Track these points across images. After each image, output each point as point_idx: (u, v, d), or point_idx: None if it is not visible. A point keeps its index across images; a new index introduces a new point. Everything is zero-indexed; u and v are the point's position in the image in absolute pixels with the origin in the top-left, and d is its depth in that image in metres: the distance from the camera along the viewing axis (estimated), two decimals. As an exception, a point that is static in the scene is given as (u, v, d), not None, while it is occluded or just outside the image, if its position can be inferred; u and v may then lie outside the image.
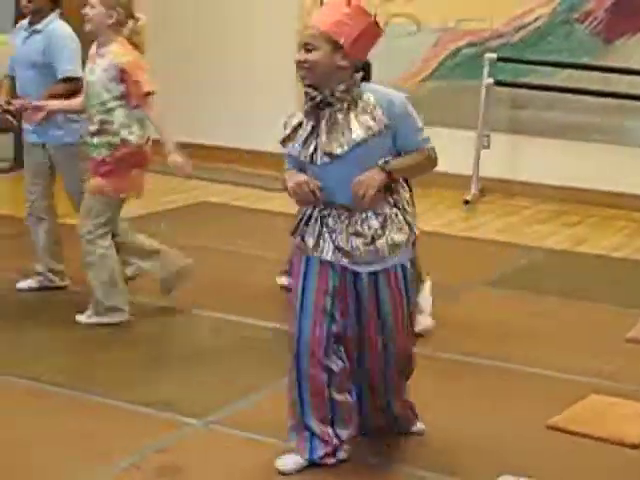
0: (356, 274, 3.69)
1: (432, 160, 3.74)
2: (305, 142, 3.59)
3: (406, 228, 3.67)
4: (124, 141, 5.07)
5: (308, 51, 3.53)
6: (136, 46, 5.33)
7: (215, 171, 9.07)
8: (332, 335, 3.73)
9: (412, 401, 4.14)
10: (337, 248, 3.68)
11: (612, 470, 3.86)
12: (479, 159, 8.71)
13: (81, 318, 5.18)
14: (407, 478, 4.06)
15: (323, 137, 3.57)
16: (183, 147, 5.25)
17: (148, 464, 3.78)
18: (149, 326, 5.30)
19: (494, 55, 8.69)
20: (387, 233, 3.67)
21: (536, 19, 8.89)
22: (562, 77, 8.67)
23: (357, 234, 3.67)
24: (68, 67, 5.20)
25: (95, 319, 5.24)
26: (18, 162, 8.11)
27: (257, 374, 4.63)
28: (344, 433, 3.76)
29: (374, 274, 3.71)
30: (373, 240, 3.65)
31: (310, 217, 3.75)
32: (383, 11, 9.74)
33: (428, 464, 4.07)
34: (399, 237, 3.66)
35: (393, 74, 9.10)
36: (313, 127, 3.59)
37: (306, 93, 3.58)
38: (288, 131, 3.68)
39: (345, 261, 3.63)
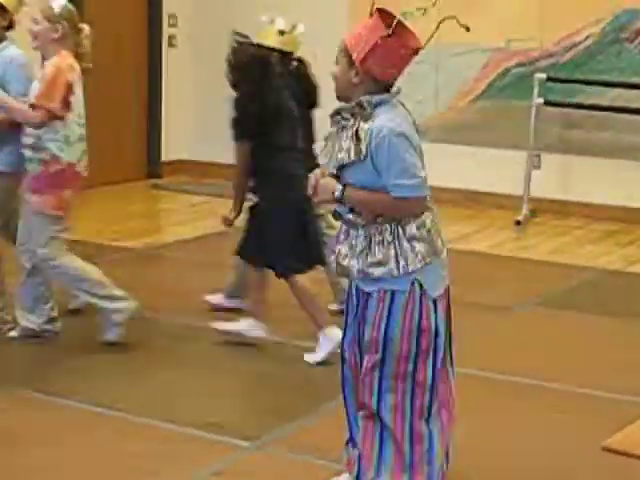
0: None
1: (399, 209, 3.55)
2: (325, 155, 3.64)
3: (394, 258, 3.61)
4: (54, 157, 5.06)
5: (337, 64, 3.49)
6: (80, 58, 5.34)
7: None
8: None
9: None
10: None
11: None
12: (530, 179, 8.64)
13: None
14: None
15: (333, 153, 3.58)
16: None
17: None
18: (196, 349, 5.32)
19: (544, 75, 8.65)
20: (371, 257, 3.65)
21: (586, 38, 8.82)
22: (612, 96, 8.59)
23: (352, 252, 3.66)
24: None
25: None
26: None
27: (304, 398, 4.68)
28: None
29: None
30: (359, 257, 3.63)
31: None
32: (438, 32, 9.24)
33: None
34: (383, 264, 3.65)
35: (447, 95, 9.60)
36: (333, 142, 3.58)
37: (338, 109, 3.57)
38: (323, 143, 3.70)
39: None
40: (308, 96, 6.17)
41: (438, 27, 3.32)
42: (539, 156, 8.71)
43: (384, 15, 3.31)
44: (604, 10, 8.71)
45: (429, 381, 3.60)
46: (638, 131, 8.67)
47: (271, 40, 6.00)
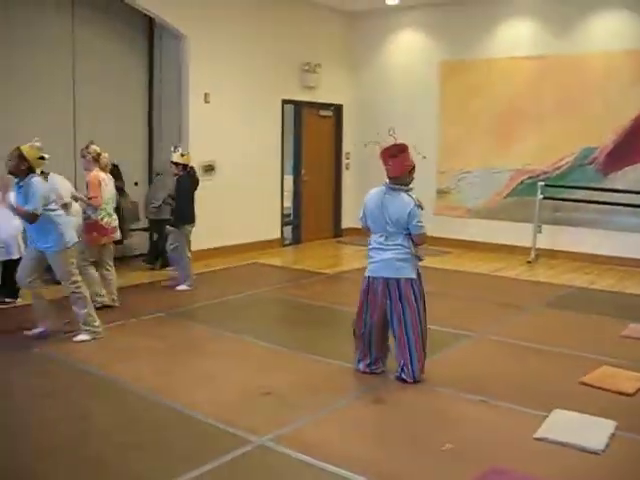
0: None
1: (419, 238, 4.97)
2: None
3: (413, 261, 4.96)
4: (89, 218, 6.80)
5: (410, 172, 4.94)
6: (103, 170, 6.90)
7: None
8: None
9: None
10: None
11: (616, 407, 4.49)
12: (536, 238, 10.07)
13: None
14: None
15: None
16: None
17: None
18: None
19: (543, 183, 10.09)
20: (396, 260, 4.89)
21: (565, 163, 10.13)
22: (580, 194, 9.89)
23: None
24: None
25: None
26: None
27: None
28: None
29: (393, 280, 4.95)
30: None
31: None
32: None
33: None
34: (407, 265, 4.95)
35: (489, 193, 10.79)
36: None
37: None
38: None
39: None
40: (196, 186, 7.98)
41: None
42: (540, 226, 10.03)
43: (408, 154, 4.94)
44: (574, 148, 9.94)
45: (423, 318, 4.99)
46: (593, 213, 9.82)
47: (177, 159, 7.74)
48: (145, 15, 9.29)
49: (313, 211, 11.51)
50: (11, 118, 8.11)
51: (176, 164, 7.61)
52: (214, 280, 8.46)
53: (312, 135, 11.49)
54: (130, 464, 3.66)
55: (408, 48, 11.42)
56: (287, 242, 11.25)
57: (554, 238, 10.12)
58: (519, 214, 10.35)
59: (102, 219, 6.66)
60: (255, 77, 10.24)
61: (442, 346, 5.74)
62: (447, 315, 6.71)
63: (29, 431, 4.05)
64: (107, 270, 6.93)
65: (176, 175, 7.75)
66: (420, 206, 4.89)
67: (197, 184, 7.95)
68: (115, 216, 6.89)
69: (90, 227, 6.67)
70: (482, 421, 4.29)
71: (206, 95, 9.46)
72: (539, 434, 4.02)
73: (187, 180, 7.75)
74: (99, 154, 6.70)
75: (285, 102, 10.90)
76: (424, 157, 5.17)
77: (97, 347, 5.65)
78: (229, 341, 5.90)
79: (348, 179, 12.02)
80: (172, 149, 7.74)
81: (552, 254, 10.10)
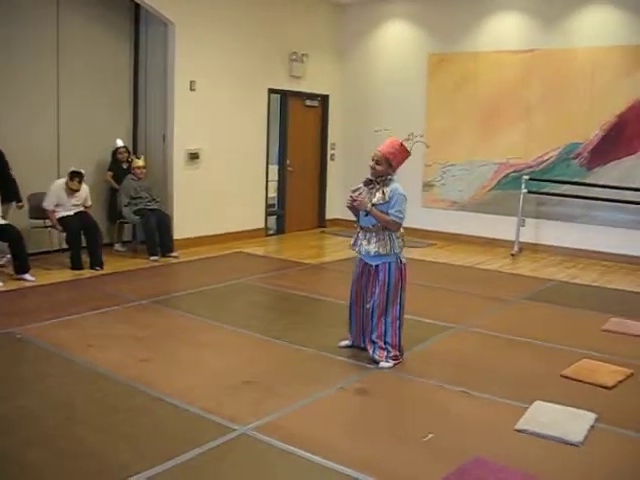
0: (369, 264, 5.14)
1: (391, 224, 4.91)
2: (360, 193, 4.99)
3: (389, 246, 4.96)
4: None
5: (378, 164, 4.95)
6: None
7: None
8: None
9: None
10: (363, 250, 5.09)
11: (596, 400, 4.54)
12: (519, 232, 10.17)
13: None
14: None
15: (370, 196, 4.95)
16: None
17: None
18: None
19: (527, 177, 10.15)
20: (378, 246, 4.99)
21: (549, 157, 10.20)
22: (563, 189, 9.99)
23: (369, 243, 5.00)
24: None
25: None
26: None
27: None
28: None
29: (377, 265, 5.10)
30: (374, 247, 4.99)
31: (357, 233, 5.14)
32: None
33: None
34: (383, 250, 4.99)
35: (474, 187, 10.86)
36: (368, 189, 5.01)
37: (371, 179, 4.99)
38: (356, 187, 5.06)
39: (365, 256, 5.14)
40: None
41: (412, 146, 5.00)
42: (524, 219, 10.16)
43: (405, 146, 4.98)
44: (559, 142, 10.01)
45: (403, 302, 5.13)
46: (576, 207, 9.91)
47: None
48: (131, 0, 9.21)
49: (298, 201, 11.48)
50: (-7, 102, 8.22)
51: None
52: (197, 269, 8.45)
53: (298, 125, 11.47)
54: (113, 452, 3.65)
55: (396, 40, 11.40)
56: (271, 232, 11.26)
57: (538, 232, 10.20)
58: (503, 207, 10.43)
59: None
60: (242, 66, 10.21)
61: (425, 338, 5.77)
62: (430, 307, 6.73)
63: (10, 420, 4.01)
64: None
65: None
66: None
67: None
68: None
69: None
70: (464, 412, 4.31)
71: (192, 83, 9.45)
72: (520, 425, 4.05)
73: None
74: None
75: (271, 91, 10.87)
76: (428, 147, 5.17)
77: (79, 334, 5.62)
78: (211, 329, 5.90)
79: (333, 170, 12.00)
80: None
81: (535, 248, 10.20)
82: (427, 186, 11.14)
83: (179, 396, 4.37)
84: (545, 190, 10.01)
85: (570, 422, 4.11)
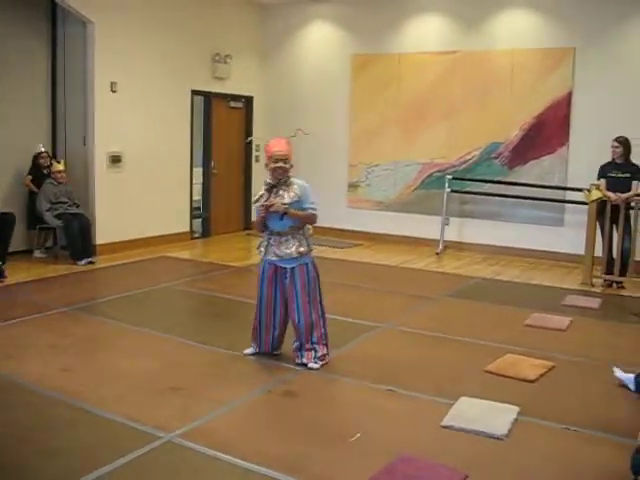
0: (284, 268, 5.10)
1: (311, 218, 4.98)
2: (267, 200, 4.95)
3: (307, 245, 5.02)
4: None
5: (285, 162, 4.94)
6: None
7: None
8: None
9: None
10: (275, 254, 5.04)
11: (519, 393, 4.66)
12: (443, 230, 10.37)
13: None
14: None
15: (279, 199, 4.93)
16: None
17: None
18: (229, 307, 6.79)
19: (450, 176, 10.39)
20: (298, 247, 4.98)
21: (472, 157, 10.42)
22: (485, 188, 10.26)
23: (285, 246, 4.98)
24: None
25: None
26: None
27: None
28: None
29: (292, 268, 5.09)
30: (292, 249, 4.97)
31: (267, 240, 5.08)
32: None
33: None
34: (304, 249, 5.03)
35: (399, 187, 10.96)
36: (271, 194, 4.97)
37: (276, 179, 4.97)
38: (257, 197, 5.07)
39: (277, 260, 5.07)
40: None
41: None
42: (448, 218, 10.34)
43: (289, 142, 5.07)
44: (481, 142, 10.21)
45: (322, 300, 5.14)
46: (499, 205, 10.18)
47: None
48: (48, -1, 9.20)
49: (223, 203, 11.43)
50: None
51: None
52: (121, 274, 8.36)
53: (222, 127, 11.42)
54: (38, 465, 3.56)
55: (319, 41, 11.48)
56: (196, 235, 11.20)
57: (462, 230, 10.41)
58: (428, 207, 10.58)
59: None
60: (164, 67, 10.13)
61: (351, 338, 5.81)
62: (356, 307, 6.76)
63: None
64: None
65: None
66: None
67: None
68: None
69: None
70: (390, 410, 4.35)
71: (112, 84, 9.31)
72: (446, 422, 4.11)
73: None
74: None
75: (195, 93, 10.82)
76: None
77: (-4, 344, 5.58)
78: (136, 336, 5.83)
79: (258, 171, 11.77)
80: None
81: (459, 246, 10.41)
82: (352, 187, 11.23)
83: (103, 405, 4.30)
84: (468, 189, 10.23)
85: (494, 416, 4.18)
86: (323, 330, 5.17)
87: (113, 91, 9.34)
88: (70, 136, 9.56)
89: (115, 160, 9.44)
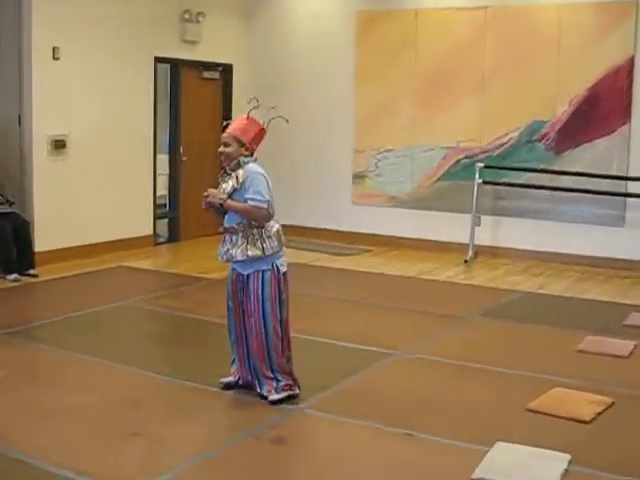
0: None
1: (252, 212, 4.92)
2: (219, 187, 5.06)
3: (260, 247, 4.93)
4: None
5: (227, 145, 5.00)
6: None
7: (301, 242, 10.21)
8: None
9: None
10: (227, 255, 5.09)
11: (570, 437, 4.59)
12: (474, 232, 10.20)
13: None
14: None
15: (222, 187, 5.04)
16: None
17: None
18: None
19: (482, 164, 10.22)
20: (246, 249, 4.96)
21: (509, 140, 10.30)
22: (526, 178, 10.15)
23: (234, 246, 4.99)
24: None
25: None
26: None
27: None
28: None
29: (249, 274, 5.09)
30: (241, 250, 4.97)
31: (223, 238, 5.13)
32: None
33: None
34: (252, 251, 4.94)
35: (417, 178, 10.90)
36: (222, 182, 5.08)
37: (224, 167, 5.06)
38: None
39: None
40: None
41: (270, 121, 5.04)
42: (479, 217, 10.16)
43: (254, 118, 5.01)
44: (521, 121, 10.11)
45: (284, 318, 5.08)
46: (543, 200, 10.05)
47: None
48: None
49: (195, 200, 10.39)
50: None
51: None
52: (67, 290, 8.28)
53: (194, 103, 11.33)
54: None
55: (316, -6, 11.65)
56: (161, 240, 11.10)
57: (496, 232, 10.26)
58: (453, 203, 10.43)
59: None
60: (120, 28, 10.04)
61: (358, 368, 5.73)
62: (363, 329, 6.71)
63: None
64: None
65: None
66: None
67: None
68: None
69: None
70: (409, 460, 4.28)
71: (55, 50, 9.23)
72: (478, 474, 4.03)
73: None
74: None
75: (158, 60, 10.74)
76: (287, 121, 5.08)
77: None
78: (84, 367, 5.75)
79: (239, 159, 11.77)
80: None
81: (494, 252, 10.27)
82: (358, 178, 11.11)
83: (43, 455, 4.19)
84: (504, 180, 10.09)
85: (539, 466, 4.11)
86: (287, 354, 5.12)
87: (55, 58, 9.24)
88: (1, 115, 9.39)
89: (59, 145, 9.33)
